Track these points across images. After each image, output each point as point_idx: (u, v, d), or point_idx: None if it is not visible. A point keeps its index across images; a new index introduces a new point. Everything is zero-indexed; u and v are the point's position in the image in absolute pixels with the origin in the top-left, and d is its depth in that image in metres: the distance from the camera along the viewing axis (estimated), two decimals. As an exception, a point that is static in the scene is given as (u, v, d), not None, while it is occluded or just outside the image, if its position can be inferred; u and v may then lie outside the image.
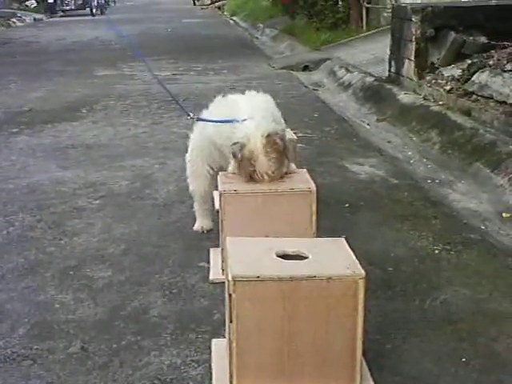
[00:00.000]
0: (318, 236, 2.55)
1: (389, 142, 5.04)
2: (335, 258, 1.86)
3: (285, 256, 1.88)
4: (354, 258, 1.86)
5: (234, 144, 2.57)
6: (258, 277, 1.76)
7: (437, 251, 2.85)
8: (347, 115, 5.87)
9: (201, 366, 2.01)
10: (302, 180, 2.57)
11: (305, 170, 2.77)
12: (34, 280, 2.61)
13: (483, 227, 3.23)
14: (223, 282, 2.13)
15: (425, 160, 4.48)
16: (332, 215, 3.29)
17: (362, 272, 1.77)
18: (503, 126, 4.35)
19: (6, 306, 2.41)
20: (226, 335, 1.88)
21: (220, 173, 2.69)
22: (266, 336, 1.79)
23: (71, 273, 2.67)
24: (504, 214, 3.38)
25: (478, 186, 3.82)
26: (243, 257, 1.85)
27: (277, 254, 1.88)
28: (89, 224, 3.14)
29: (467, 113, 4.86)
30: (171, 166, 4.07)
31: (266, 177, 2.54)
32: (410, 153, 4.71)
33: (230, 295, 1.76)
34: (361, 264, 2.09)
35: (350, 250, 1.92)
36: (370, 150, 4.65)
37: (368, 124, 5.62)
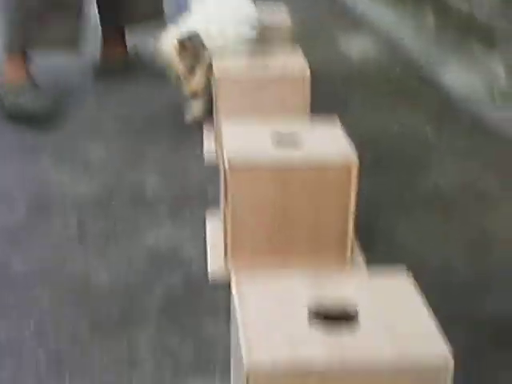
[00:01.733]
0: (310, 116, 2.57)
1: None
2: (329, 143, 1.88)
3: (279, 139, 1.89)
4: (347, 141, 1.88)
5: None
6: (253, 164, 1.78)
7: (428, 130, 2.86)
8: None
9: (197, 242, 2.05)
10: (297, 62, 2.56)
11: (299, 49, 2.76)
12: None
13: (475, 108, 3.24)
14: (217, 165, 2.24)
15: (418, 38, 4.43)
16: (323, 93, 3.28)
17: (355, 158, 1.80)
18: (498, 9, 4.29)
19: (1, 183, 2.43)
20: (221, 217, 1.92)
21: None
22: (260, 218, 1.84)
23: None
24: (496, 96, 3.39)
25: (472, 66, 3.81)
26: (238, 143, 1.87)
27: (272, 137, 1.90)
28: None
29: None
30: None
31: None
32: (402, 31, 4.65)
33: (224, 181, 1.79)
34: (353, 145, 2.18)
35: (342, 132, 1.94)
36: (362, 27, 4.58)
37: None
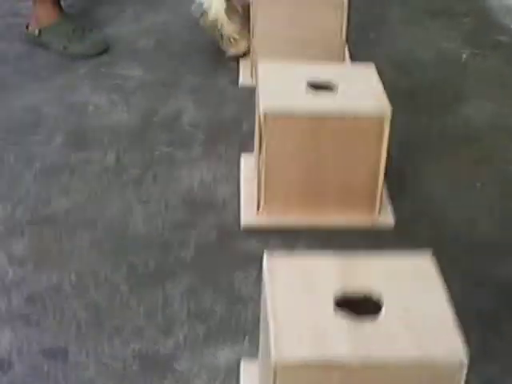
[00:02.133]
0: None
1: None
2: (363, 91, 1.91)
3: (315, 86, 1.92)
4: (382, 89, 1.91)
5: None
6: (288, 112, 1.83)
7: (464, 55, 2.86)
8: None
9: (230, 183, 2.11)
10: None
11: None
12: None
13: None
14: (252, 87, 2.23)
15: None
16: (359, 9, 3.26)
17: (388, 109, 1.83)
18: None
19: (43, 110, 2.48)
20: (255, 162, 1.97)
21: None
22: (293, 167, 1.90)
23: (103, 70, 2.72)
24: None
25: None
26: (274, 88, 1.90)
27: (308, 83, 1.92)
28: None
29: None
30: None
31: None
32: None
33: (259, 129, 1.83)
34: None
35: (378, 78, 1.96)
36: None
37: None
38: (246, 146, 2.22)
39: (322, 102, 1.86)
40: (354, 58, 2.79)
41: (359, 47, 2.87)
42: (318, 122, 1.83)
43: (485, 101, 2.54)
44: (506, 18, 3.27)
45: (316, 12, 2.49)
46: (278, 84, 1.93)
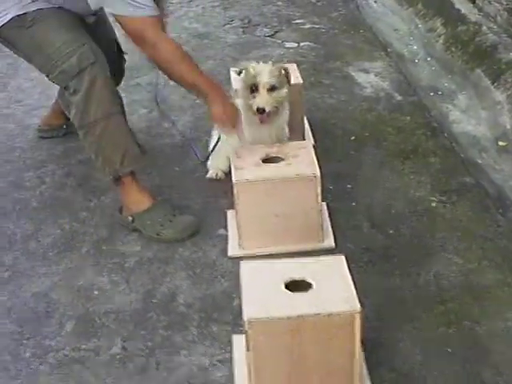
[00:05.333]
0: (324, 184, 2.90)
1: (395, 30, 5.14)
2: (335, 289, 2.16)
3: (292, 283, 2.18)
4: (352, 286, 2.16)
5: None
6: (269, 317, 2.08)
7: (433, 204, 3.12)
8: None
9: (224, 366, 2.36)
10: (308, 162, 2.82)
11: (311, 144, 3.02)
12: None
13: (479, 161, 3.47)
14: (240, 258, 2.59)
15: (429, 59, 4.61)
16: (338, 153, 3.55)
17: (358, 307, 2.08)
18: (505, 24, 4.45)
19: (52, 296, 2.74)
20: (245, 358, 2.22)
21: (232, 151, 2.95)
22: (278, 360, 2.14)
23: (104, 248, 2.99)
24: (500, 143, 3.60)
25: (478, 100, 4.02)
26: (255, 293, 2.16)
27: (285, 283, 2.18)
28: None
29: (472, -1, 4.92)
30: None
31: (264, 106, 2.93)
32: (415, 47, 4.82)
33: (246, 331, 2.09)
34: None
35: (348, 272, 2.22)
36: (376, 46, 4.77)
37: (375, 1, 5.66)
38: (238, 325, 2.45)
39: (298, 303, 2.11)
40: (333, 213, 3.04)
41: (338, 202, 3.14)
42: (296, 321, 2.08)
43: (453, 255, 2.79)
44: (470, 150, 3.55)
45: (292, 187, 2.75)
46: (259, 287, 2.18)
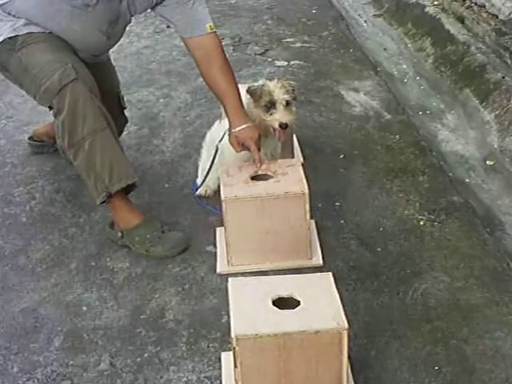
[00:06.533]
0: (313, 202, 2.92)
1: (385, 49, 5.18)
2: (323, 306, 2.17)
3: (279, 300, 2.19)
4: (340, 304, 2.17)
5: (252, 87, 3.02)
6: (257, 334, 2.09)
7: (422, 222, 3.13)
8: (345, 7, 5.93)
9: (213, 382, 2.37)
10: (296, 180, 2.84)
11: (299, 161, 3.04)
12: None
13: (468, 180, 3.49)
14: (229, 274, 2.64)
15: (418, 78, 4.65)
16: (327, 171, 3.57)
17: (346, 324, 2.09)
18: (494, 45, 4.49)
19: (40, 312, 2.74)
20: (233, 374, 2.22)
21: (220, 170, 2.96)
22: (265, 376, 2.15)
23: (93, 264, 2.99)
24: (488, 162, 3.63)
25: (467, 119, 4.05)
26: (243, 310, 2.17)
27: (272, 299, 2.19)
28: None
29: (460, 19, 4.98)
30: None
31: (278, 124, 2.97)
32: (404, 66, 4.86)
33: (233, 348, 2.09)
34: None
35: (335, 289, 2.23)
36: (365, 66, 4.81)
37: (365, 21, 5.71)
38: (227, 342, 2.45)
39: (286, 320, 2.12)
40: (321, 231, 3.06)
41: (326, 220, 3.16)
42: (283, 338, 2.09)
43: (440, 273, 2.80)
44: (458, 169, 3.57)
45: (280, 204, 2.76)
46: (247, 303, 2.19)
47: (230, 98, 3.00)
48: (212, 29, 3.01)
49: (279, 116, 2.96)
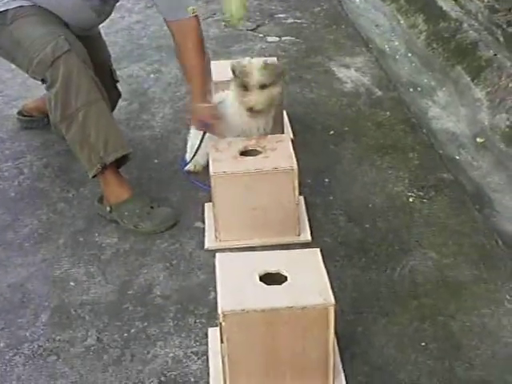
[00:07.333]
0: (302, 178, 2.94)
1: (377, 25, 5.15)
2: (310, 282, 2.16)
3: (267, 276, 2.19)
4: (327, 280, 2.16)
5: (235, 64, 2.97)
6: (244, 310, 2.08)
7: (411, 199, 3.12)
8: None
9: (200, 359, 2.36)
10: (285, 156, 2.83)
11: (289, 137, 3.03)
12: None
13: (458, 157, 3.49)
14: (217, 250, 2.63)
15: (410, 55, 4.63)
16: (317, 147, 3.56)
17: (332, 300, 2.09)
18: (486, 22, 4.47)
19: (28, 287, 2.73)
20: (220, 350, 2.22)
21: (209, 145, 2.95)
22: (252, 352, 2.14)
23: (81, 239, 2.98)
24: (478, 139, 3.62)
25: (458, 96, 4.03)
26: (230, 285, 2.16)
27: (259, 275, 2.19)
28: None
29: (454, -5, 4.93)
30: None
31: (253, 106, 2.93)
32: (396, 43, 4.84)
33: (220, 323, 2.09)
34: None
35: (323, 266, 2.23)
36: (357, 42, 4.78)
37: (358, -4, 5.66)
38: (214, 317, 2.45)
39: (273, 296, 2.11)
40: (310, 207, 3.05)
41: (315, 196, 3.15)
42: (270, 314, 2.09)
43: (429, 250, 2.80)
44: (448, 146, 3.56)
45: (269, 180, 2.75)
46: (234, 279, 2.19)
47: (195, 75, 3.03)
48: (194, 12, 2.99)
49: (249, 99, 2.93)
